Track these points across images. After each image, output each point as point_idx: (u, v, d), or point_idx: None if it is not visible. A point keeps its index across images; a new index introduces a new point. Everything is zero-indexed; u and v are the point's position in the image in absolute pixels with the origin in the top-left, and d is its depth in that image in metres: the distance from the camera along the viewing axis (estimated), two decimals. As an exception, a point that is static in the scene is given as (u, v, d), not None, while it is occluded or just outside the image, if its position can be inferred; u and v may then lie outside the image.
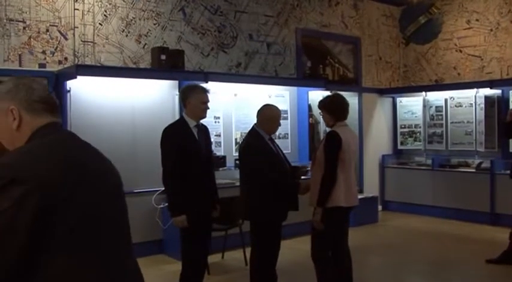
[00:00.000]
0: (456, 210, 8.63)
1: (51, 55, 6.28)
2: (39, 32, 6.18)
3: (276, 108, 4.64)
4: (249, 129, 4.66)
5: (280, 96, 8.12)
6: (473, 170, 8.69)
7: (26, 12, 6.10)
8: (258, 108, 4.63)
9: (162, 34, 7.16)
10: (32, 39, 6.14)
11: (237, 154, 7.22)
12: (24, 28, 6.09)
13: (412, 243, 7.38)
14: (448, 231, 7.91)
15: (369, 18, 9.99)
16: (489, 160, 8.43)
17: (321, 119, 7.93)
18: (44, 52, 6.23)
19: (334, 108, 4.54)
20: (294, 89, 8.33)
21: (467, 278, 5.71)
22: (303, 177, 6.03)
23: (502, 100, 8.56)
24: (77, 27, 6.46)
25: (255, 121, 4.59)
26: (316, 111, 8.56)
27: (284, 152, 4.78)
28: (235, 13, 7.96)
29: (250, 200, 4.47)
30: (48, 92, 1.84)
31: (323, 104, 4.61)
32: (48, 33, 6.25)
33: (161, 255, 6.51)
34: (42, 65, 6.21)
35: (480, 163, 8.66)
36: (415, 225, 8.49)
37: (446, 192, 8.83)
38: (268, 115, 4.53)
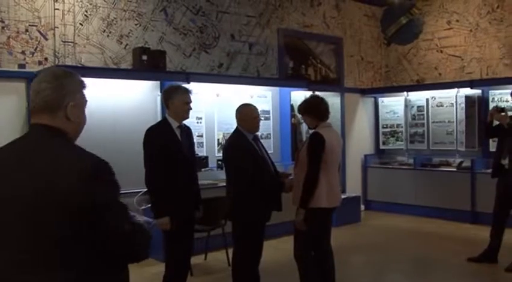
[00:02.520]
0: (438, 209, 8.71)
1: (30, 55, 6.20)
2: (18, 32, 6.10)
3: (252, 105, 4.69)
4: (233, 130, 4.68)
5: (262, 96, 8.12)
6: (454, 169, 8.77)
7: (5, 12, 6.01)
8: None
9: (144, 34, 7.12)
10: (11, 39, 6.06)
11: (220, 154, 7.23)
12: (2, 28, 6.01)
13: (394, 242, 7.42)
14: (430, 230, 7.97)
15: (350, 19, 10.03)
16: (470, 159, 8.52)
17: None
18: (23, 52, 6.15)
19: (312, 110, 4.55)
20: (276, 89, 8.34)
21: (449, 276, 5.75)
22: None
23: (482, 100, 8.66)
24: (57, 27, 6.39)
25: (236, 121, 4.62)
26: (299, 111, 8.59)
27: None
28: (217, 13, 7.94)
29: (235, 200, 4.47)
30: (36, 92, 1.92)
31: (302, 107, 4.64)
32: (27, 33, 6.17)
33: (144, 256, 6.46)
34: (21, 66, 6.13)
35: (461, 162, 8.74)
36: (397, 224, 8.54)
37: (428, 192, 8.90)
38: (245, 113, 4.56)
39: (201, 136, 7.35)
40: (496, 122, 6.02)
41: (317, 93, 7.43)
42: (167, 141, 4.20)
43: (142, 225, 2.00)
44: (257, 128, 4.62)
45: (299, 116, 4.97)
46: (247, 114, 4.55)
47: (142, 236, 1.94)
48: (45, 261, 1.77)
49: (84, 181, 1.76)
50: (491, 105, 8.06)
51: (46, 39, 6.31)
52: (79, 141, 2.02)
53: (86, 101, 2.02)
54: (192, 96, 4.38)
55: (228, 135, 7.35)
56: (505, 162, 5.80)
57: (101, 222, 1.80)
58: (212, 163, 7.32)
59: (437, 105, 9.32)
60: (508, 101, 6.13)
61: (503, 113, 5.81)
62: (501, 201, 5.93)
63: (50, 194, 1.74)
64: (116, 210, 1.86)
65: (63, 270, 1.77)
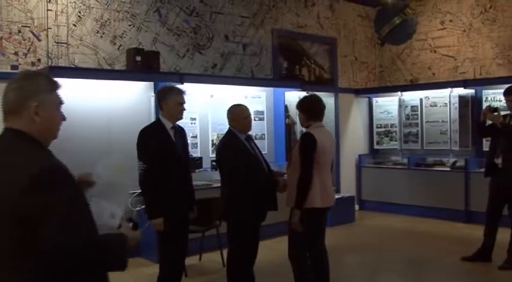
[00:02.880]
0: (432, 209, 8.73)
1: (23, 56, 6.18)
2: (11, 33, 6.08)
3: (243, 105, 4.71)
4: (226, 130, 4.69)
5: (256, 97, 8.12)
6: (448, 169, 8.79)
7: (-3, 13, 6.00)
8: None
9: (137, 35, 7.11)
10: (3, 40, 6.04)
11: (214, 155, 7.24)
12: (-5, 29, 6.00)
13: (389, 242, 7.44)
14: (424, 230, 7.99)
15: (344, 19, 10.04)
16: (463, 159, 8.54)
17: (298, 119, 7.99)
18: (16, 53, 6.13)
19: (308, 108, 4.56)
20: (270, 89, 8.34)
21: (443, 276, 5.76)
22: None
23: (476, 99, 8.69)
24: (50, 28, 6.37)
25: (228, 122, 4.64)
26: (293, 112, 8.61)
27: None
28: (211, 14, 7.94)
29: (229, 201, 4.47)
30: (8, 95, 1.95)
31: (298, 103, 4.66)
32: (20, 34, 6.15)
33: (137, 258, 6.44)
34: (14, 67, 6.11)
35: (455, 162, 8.76)
36: (392, 224, 8.56)
37: (422, 191, 8.92)
38: (236, 113, 4.58)
39: (195, 137, 7.34)
40: (489, 122, 6.04)
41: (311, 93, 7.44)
42: (161, 142, 4.19)
43: (110, 237, 1.96)
44: (249, 128, 4.63)
45: (294, 112, 4.97)
46: (238, 114, 4.57)
47: (102, 250, 1.86)
48: (6, 262, 1.77)
49: (26, 189, 1.72)
50: (485, 105, 8.10)
51: (39, 40, 6.29)
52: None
53: (58, 102, 2.03)
54: (185, 97, 4.39)
55: (222, 136, 7.37)
56: (499, 161, 5.82)
57: (40, 233, 1.72)
58: (206, 164, 7.31)
59: (431, 105, 9.34)
60: (501, 101, 6.15)
61: (496, 113, 5.83)
62: (494, 200, 5.95)
63: (6, 198, 1.74)
64: (56, 221, 1.72)
65: (19, 273, 1.77)
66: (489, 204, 6.01)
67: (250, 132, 4.71)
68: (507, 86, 5.94)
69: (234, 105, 4.70)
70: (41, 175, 1.74)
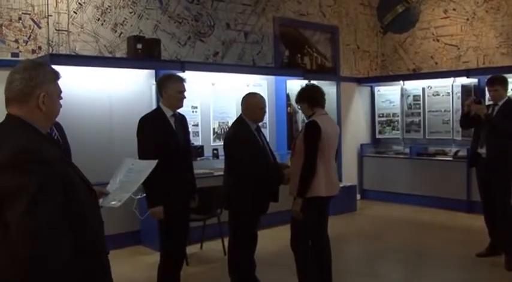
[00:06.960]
0: (433, 198, 8.71)
1: (24, 44, 6.14)
2: (11, 20, 6.04)
3: (259, 95, 4.67)
4: (236, 118, 4.67)
5: (258, 85, 8.07)
6: (450, 159, 8.76)
7: (-3, 0, 5.95)
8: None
9: (138, 23, 7.06)
10: (3, 28, 5.99)
11: (215, 144, 7.23)
12: (-5, 16, 5.95)
13: (390, 231, 7.43)
14: (426, 219, 7.99)
15: (346, 7, 9.97)
16: (465, 148, 8.50)
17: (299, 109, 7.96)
18: (16, 41, 6.09)
19: (308, 96, 4.52)
20: (272, 78, 8.30)
21: (444, 265, 5.75)
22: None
23: (478, 89, 8.63)
24: (51, 16, 6.32)
25: (235, 111, 4.61)
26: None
27: (263, 141, 4.77)
28: (212, 2, 7.87)
29: (231, 190, 4.46)
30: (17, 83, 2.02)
31: (298, 96, 4.61)
32: (20, 21, 6.10)
33: (139, 246, 6.46)
34: (15, 54, 6.07)
35: (457, 151, 8.74)
36: (393, 213, 8.55)
37: (423, 181, 8.90)
38: (251, 103, 4.55)
39: (197, 125, 7.31)
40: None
41: (313, 82, 7.40)
42: (161, 130, 4.16)
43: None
44: (262, 118, 4.63)
45: (295, 105, 4.93)
46: (254, 104, 4.54)
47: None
48: None
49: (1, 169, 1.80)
50: (488, 95, 8.05)
51: (39, 27, 6.25)
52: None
53: (59, 91, 2.10)
54: (187, 85, 4.35)
55: (224, 124, 7.35)
56: (482, 151, 5.76)
57: (6, 213, 1.77)
58: (208, 152, 7.28)
59: (433, 95, 9.29)
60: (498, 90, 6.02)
61: (480, 105, 5.76)
62: (481, 192, 5.89)
63: None
64: (23, 203, 1.75)
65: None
66: (480, 195, 5.95)
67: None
68: (511, 75, 5.88)
69: (249, 94, 4.66)
70: (13, 157, 1.80)
